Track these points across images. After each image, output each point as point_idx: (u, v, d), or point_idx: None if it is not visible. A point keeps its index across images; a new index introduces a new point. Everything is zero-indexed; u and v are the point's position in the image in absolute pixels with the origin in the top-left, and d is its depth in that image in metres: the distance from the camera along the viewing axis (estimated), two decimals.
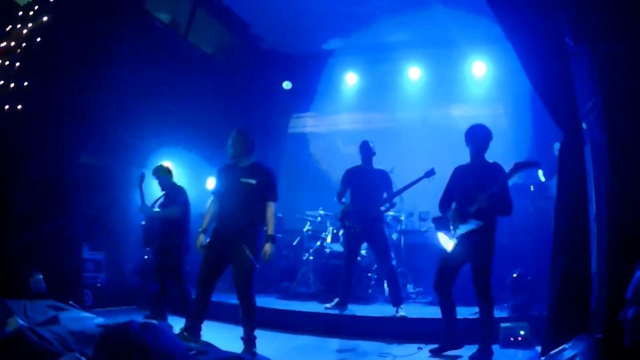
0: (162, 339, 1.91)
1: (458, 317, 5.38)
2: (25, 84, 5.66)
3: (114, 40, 6.20)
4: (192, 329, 5.06)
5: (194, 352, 3.61)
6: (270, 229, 5.19)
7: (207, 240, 5.24)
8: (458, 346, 5.18)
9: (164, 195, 6.53)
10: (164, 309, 6.40)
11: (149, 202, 6.43)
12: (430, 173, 6.71)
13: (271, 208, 5.26)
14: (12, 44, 5.85)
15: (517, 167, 4.93)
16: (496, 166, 5.16)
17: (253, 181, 5.21)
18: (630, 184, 3.97)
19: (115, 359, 2.00)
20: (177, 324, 5.83)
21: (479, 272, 5.02)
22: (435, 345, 5.32)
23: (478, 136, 5.24)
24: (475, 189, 4.97)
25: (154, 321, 3.52)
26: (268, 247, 5.10)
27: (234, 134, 5.39)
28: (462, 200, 5.16)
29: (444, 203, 5.46)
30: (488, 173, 5.08)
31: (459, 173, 5.39)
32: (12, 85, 5.71)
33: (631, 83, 3.94)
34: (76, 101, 5.91)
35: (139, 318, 6.17)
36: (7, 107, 5.62)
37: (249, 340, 5.08)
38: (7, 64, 5.79)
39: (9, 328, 2.87)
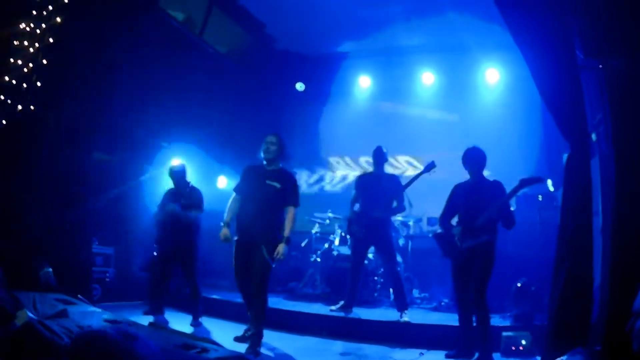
0: (138, 347, 1.95)
1: (452, 324, 5.53)
2: (39, 83, 5.74)
3: (127, 38, 6.26)
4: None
5: (197, 350, 3.65)
6: (287, 231, 5.32)
7: (234, 237, 5.46)
8: (470, 355, 5.22)
9: (181, 194, 6.63)
10: (162, 304, 6.51)
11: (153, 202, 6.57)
12: (430, 166, 6.70)
13: (292, 212, 5.41)
14: (26, 43, 5.94)
15: (522, 184, 5.13)
16: (497, 183, 5.42)
17: (278, 185, 5.37)
18: (636, 198, 3.99)
19: None
20: (175, 319, 5.90)
21: (481, 283, 5.12)
22: (446, 352, 5.38)
23: (476, 158, 5.49)
24: (481, 203, 5.18)
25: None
26: (281, 247, 5.22)
27: (273, 138, 5.52)
28: (468, 215, 5.33)
29: (446, 220, 5.63)
30: (491, 190, 5.33)
31: (461, 190, 5.59)
32: (24, 85, 5.80)
33: None
34: (89, 99, 5.99)
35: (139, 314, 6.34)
36: (19, 107, 5.71)
37: (256, 337, 5.20)
38: (20, 64, 5.88)
39: (19, 321, 2.93)
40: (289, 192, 5.45)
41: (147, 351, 1.86)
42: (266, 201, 5.34)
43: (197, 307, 6.62)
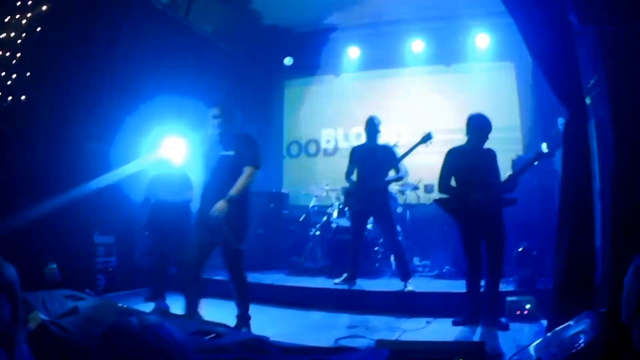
0: (165, 338, 1.97)
1: (457, 291, 5.71)
2: (28, 74, 5.67)
3: (114, 24, 6.18)
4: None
5: (212, 335, 3.69)
6: (234, 189, 4.97)
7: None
8: (477, 321, 5.33)
9: (170, 180, 6.64)
10: (163, 289, 6.52)
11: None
12: (427, 138, 6.72)
13: (247, 171, 5.08)
14: (12, 34, 5.85)
15: (538, 156, 5.41)
16: (492, 151, 5.58)
17: (232, 152, 5.16)
18: (635, 160, 4.02)
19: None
20: (177, 303, 5.91)
21: (502, 245, 5.34)
22: (452, 319, 5.50)
23: (478, 126, 5.53)
24: (481, 172, 5.30)
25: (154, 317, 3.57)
26: (219, 204, 4.87)
27: (215, 111, 5.27)
28: (467, 180, 5.40)
29: (446, 184, 5.59)
30: (487, 158, 5.50)
31: (458, 155, 5.60)
32: (14, 76, 5.73)
33: (637, 65, 3.96)
34: (79, 88, 5.92)
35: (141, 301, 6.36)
36: (10, 98, 5.64)
37: (243, 319, 5.15)
38: (8, 55, 5.79)
39: (32, 324, 2.94)
40: (246, 154, 5.16)
41: (173, 339, 1.89)
42: (224, 173, 5.10)
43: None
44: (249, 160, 5.15)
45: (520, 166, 5.58)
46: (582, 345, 3.06)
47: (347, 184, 7.27)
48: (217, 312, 5.95)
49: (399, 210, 8.74)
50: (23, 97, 5.67)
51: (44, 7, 5.83)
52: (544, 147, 7.27)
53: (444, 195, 5.66)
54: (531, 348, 3.42)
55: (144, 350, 2.11)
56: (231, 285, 5.23)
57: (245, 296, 5.23)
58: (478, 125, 5.51)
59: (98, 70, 6.11)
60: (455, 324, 5.38)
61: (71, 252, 5.61)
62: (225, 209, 4.87)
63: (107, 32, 6.02)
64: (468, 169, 5.43)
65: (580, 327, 3.24)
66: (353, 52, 10.86)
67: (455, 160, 5.57)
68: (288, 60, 10.92)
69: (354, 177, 7.21)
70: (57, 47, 5.86)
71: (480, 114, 5.56)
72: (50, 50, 5.85)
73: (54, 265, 5.28)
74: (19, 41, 5.82)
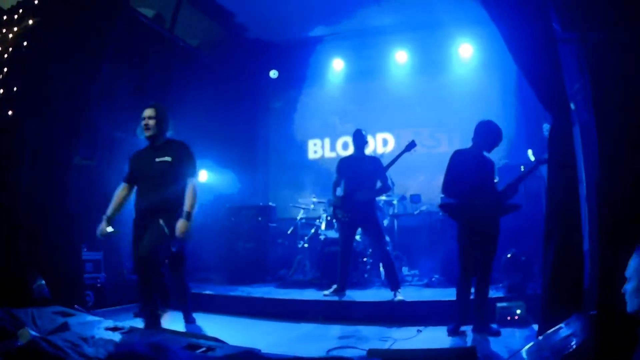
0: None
1: (447, 299, 5.66)
2: (15, 89, 5.63)
3: (100, 38, 6.13)
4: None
5: (203, 349, 3.66)
6: (187, 205, 4.94)
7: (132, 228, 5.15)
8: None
9: None
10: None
11: None
12: (411, 146, 6.77)
13: (191, 185, 5.04)
14: None
15: (539, 163, 5.30)
16: (491, 159, 5.57)
17: (169, 159, 5.03)
18: (620, 163, 4.07)
19: None
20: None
21: (494, 252, 5.35)
22: (442, 326, 5.47)
23: (485, 134, 5.49)
24: (485, 177, 5.35)
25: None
26: (181, 224, 4.87)
27: (151, 112, 5.15)
28: (476, 184, 5.35)
29: (452, 187, 5.47)
30: (489, 163, 5.49)
31: (464, 158, 5.51)
32: (1, 91, 5.68)
33: (620, 70, 4.01)
34: (65, 103, 5.88)
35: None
36: None
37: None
38: None
39: (22, 340, 2.91)
40: (184, 163, 5.07)
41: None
42: (161, 179, 5.00)
43: (186, 304, 6.26)
44: (191, 173, 5.10)
45: (520, 173, 5.54)
46: (574, 347, 3.07)
47: (334, 196, 7.26)
48: (208, 325, 5.94)
49: (386, 221, 8.74)
50: (10, 113, 5.62)
51: (30, 22, 5.80)
52: (530, 154, 7.35)
53: (448, 200, 5.63)
54: (523, 352, 3.43)
55: None
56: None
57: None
58: (484, 131, 5.48)
59: (84, 86, 6.05)
60: (450, 333, 5.34)
61: (59, 268, 5.52)
62: (189, 228, 4.90)
63: (93, 46, 5.97)
64: (474, 173, 5.36)
65: (571, 330, 3.26)
66: (337, 64, 10.93)
67: (461, 164, 5.47)
68: (273, 73, 10.96)
69: (341, 188, 7.21)
70: (44, 62, 5.82)
71: (489, 120, 5.54)
72: (37, 65, 5.80)
73: (43, 282, 5.21)
74: (5, 56, 5.78)
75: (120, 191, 5.25)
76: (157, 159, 5.06)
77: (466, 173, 5.37)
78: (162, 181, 5.01)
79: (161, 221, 4.91)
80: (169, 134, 5.27)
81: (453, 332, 5.31)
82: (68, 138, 5.94)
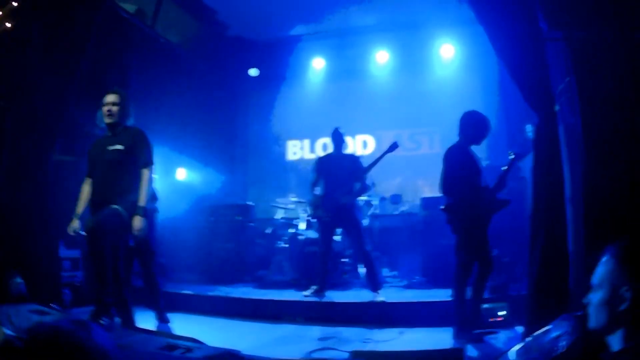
0: (95, 336, 1.83)
1: (438, 299, 5.56)
2: None
3: (81, 32, 5.98)
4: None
5: (181, 350, 3.55)
6: (141, 199, 4.63)
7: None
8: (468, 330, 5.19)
9: None
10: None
11: None
12: (393, 147, 6.69)
13: (145, 175, 4.72)
14: None
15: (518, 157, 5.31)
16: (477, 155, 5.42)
17: (121, 147, 4.72)
18: (605, 164, 4.06)
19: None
20: (140, 317, 5.70)
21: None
22: (421, 328, 5.46)
23: (468, 124, 5.30)
24: (477, 172, 5.21)
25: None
26: (136, 221, 4.57)
27: (114, 97, 4.85)
28: (473, 180, 5.18)
29: (452, 185, 5.18)
30: (478, 159, 5.36)
31: (456, 155, 5.27)
32: None
33: (605, 69, 4.01)
34: (45, 98, 5.73)
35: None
36: None
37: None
38: None
39: None
40: (138, 151, 4.74)
41: (104, 341, 1.75)
42: (111, 169, 4.70)
43: (158, 302, 5.95)
44: (144, 159, 4.78)
45: (504, 170, 5.35)
46: (563, 349, 3.02)
47: (312, 195, 7.18)
48: (186, 326, 5.80)
49: (366, 221, 8.66)
50: None
51: (8, 23, 5.64)
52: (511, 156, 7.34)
53: (449, 200, 5.31)
54: (511, 353, 3.38)
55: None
56: None
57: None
58: (471, 123, 5.27)
59: (64, 80, 5.90)
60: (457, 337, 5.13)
61: (37, 265, 5.36)
62: (144, 224, 4.62)
63: (74, 40, 5.82)
64: (467, 170, 5.17)
65: (560, 331, 3.21)
66: (318, 63, 10.88)
67: (455, 161, 5.23)
68: (253, 72, 10.88)
69: (320, 188, 7.13)
70: (23, 56, 5.67)
71: (473, 110, 5.36)
72: (16, 59, 5.65)
73: (20, 280, 5.05)
74: None
75: (84, 186, 4.95)
76: (110, 147, 4.76)
77: (460, 170, 5.16)
78: (113, 171, 4.71)
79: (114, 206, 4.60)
80: (129, 122, 4.98)
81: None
82: (47, 133, 5.78)
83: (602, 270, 2.18)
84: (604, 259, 2.19)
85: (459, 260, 5.09)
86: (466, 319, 5.05)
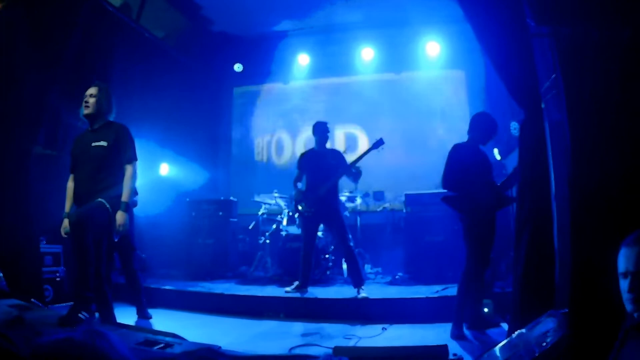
0: (108, 344, 1.77)
1: (421, 296, 5.51)
2: None
3: (64, 25, 5.87)
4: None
5: (161, 345, 3.49)
6: (125, 194, 4.64)
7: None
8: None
9: None
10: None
11: None
12: (378, 143, 6.66)
13: (129, 170, 4.73)
14: None
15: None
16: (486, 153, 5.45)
17: (105, 143, 4.70)
18: (592, 161, 4.05)
19: None
20: (121, 313, 5.60)
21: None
22: (409, 324, 5.42)
23: (478, 125, 5.41)
24: (484, 170, 5.23)
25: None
26: (119, 217, 4.57)
27: (93, 90, 4.83)
28: (477, 178, 5.21)
29: (452, 180, 5.25)
30: (486, 157, 5.39)
31: (462, 151, 5.35)
32: None
33: (592, 66, 3.99)
34: (27, 90, 5.60)
35: None
36: None
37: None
38: None
39: None
40: (122, 147, 4.74)
41: (123, 349, 1.69)
42: (96, 165, 4.67)
43: (139, 297, 6.01)
44: (128, 155, 4.78)
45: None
46: (549, 345, 3.01)
47: (296, 191, 7.12)
48: (166, 322, 5.72)
49: (347, 214, 8.60)
50: None
51: None
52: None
53: (449, 193, 5.35)
54: (497, 350, 3.36)
55: None
56: None
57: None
58: (480, 124, 5.41)
59: (47, 73, 5.78)
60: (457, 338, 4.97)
61: (18, 261, 5.24)
62: (127, 219, 4.63)
63: (57, 33, 5.70)
64: (473, 167, 5.22)
65: (546, 328, 3.20)
66: (303, 60, 10.83)
67: (460, 157, 5.29)
68: (238, 67, 10.82)
69: (303, 184, 7.07)
70: (5, 48, 5.54)
71: (483, 112, 5.53)
72: None
73: (0, 274, 4.93)
74: None
75: (69, 183, 4.91)
76: (93, 144, 4.73)
77: (465, 166, 5.22)
78: (97, 168, 4.69)
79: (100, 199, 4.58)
80: (111, 117, 4.95)
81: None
82: (29, 126, 5.66)
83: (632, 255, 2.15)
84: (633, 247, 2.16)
85: (470, 257, 5.15)
86: (470, 317, 5.11)
